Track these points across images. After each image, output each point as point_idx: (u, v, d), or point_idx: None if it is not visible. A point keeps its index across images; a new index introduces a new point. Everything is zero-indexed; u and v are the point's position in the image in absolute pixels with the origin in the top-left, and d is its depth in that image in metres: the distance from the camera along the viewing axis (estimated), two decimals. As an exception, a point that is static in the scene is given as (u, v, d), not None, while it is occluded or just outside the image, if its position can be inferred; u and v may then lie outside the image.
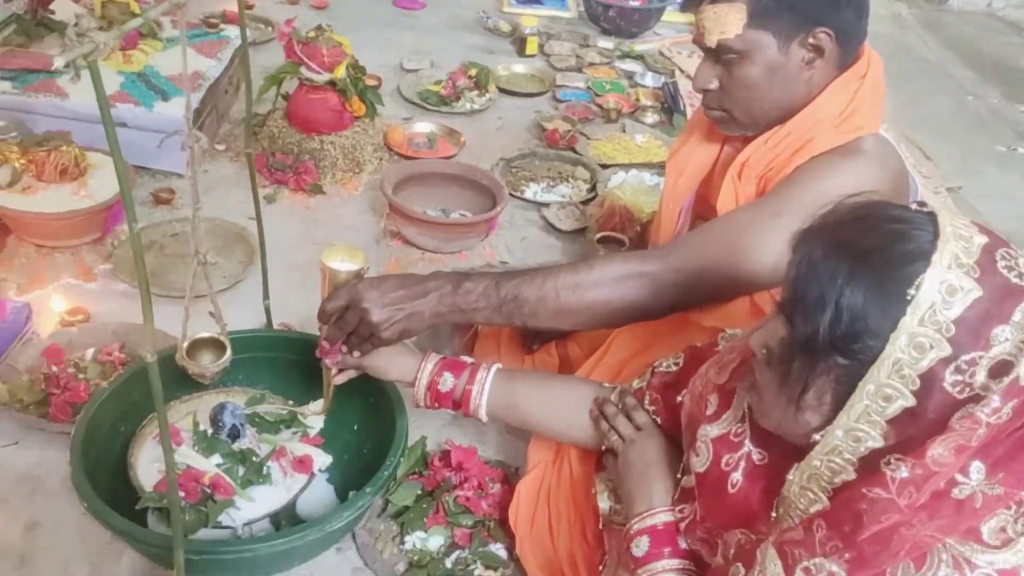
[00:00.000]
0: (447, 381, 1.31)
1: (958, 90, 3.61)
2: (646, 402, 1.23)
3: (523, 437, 1.49)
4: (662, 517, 1.10)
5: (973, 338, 0.74)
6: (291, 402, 1.48)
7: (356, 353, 1.30)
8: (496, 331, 1.64)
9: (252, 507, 1.29)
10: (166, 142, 2.11)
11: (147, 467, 1.32)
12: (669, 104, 2.88)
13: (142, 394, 1.38)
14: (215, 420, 1.35)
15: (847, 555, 0.79)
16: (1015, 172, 2.98)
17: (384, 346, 1.28)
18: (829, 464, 0.83)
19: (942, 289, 0.74)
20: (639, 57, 3.27)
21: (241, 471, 1.32)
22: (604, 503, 1.23)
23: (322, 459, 1.38)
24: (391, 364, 1.32)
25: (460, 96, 2.76)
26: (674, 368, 1.21)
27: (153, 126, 2.08)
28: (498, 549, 1.36)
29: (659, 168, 2.44)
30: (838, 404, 0.81)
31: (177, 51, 2.32)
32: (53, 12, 2.33)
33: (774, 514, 0.89)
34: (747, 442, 0.97)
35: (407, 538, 1.35)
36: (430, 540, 1.35)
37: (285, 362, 1.52)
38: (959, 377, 0.75)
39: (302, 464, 1.35)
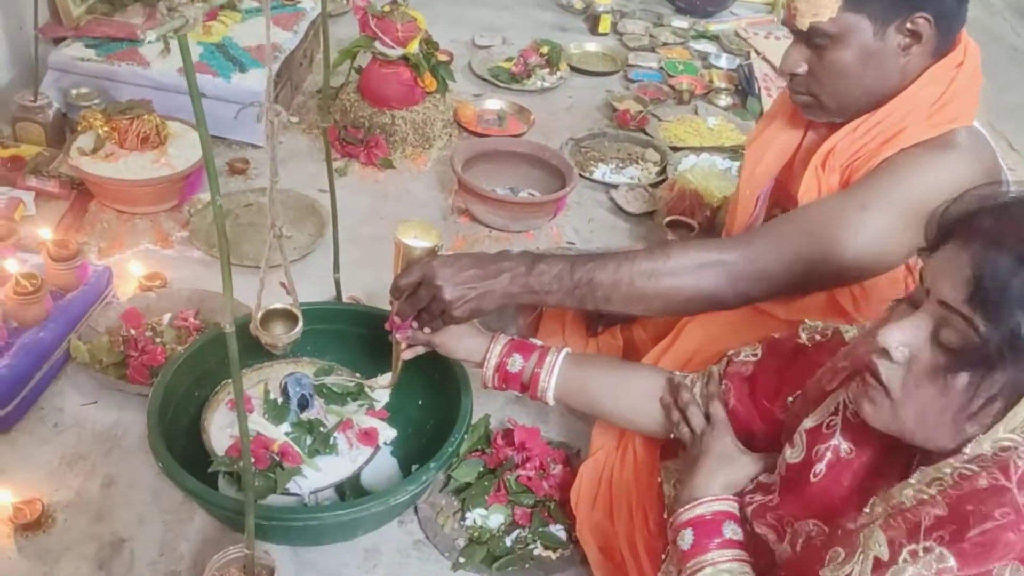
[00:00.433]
0: (516, 363, 1.31)
1: (1048, 80, 3.45)
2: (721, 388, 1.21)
3: (586, 419, 1.48)
4: (713, 507, 1.07)
5: None
6: (358, 375, 1.50)
7: (427, 329, 1.30)
8: (561, 312, 1.63)
9: (319, 476, 1.31)
10: (243, 113, 2.13)
11: (219, 432, 1.36)
12: (743, 87, 2.82)
13: (216, 360, 1.41)
14: (285, 390, 1.38)
15: (955, 548, 0.76)
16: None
17: (455, 324, 1.29)
18: (961, 470, 0.79)
19: None
20: (714, 38, 3.19)
21: (308, 440, 1.35)
22: (670, 491, 1.22)
23: (387, 432, 1.41)
24: (460, 343, 1.33)
25: (531, 74, 2.74)
26: (752, 359, 1.19)
27: (231, 97, 2.12)
28: (558, 530, 1.36)
29: (731, 152, 2.39)
30: (1001, 414, 0.78)
31: (254, 23, 2.36)
32: (137, -19, 2.37)
33: (867, 510, 0.87)
34: (838, 434, 0.96)
35: (468, 514, 1.36)
36: (491, 517, 1.36)
37: (353, 335, 1.54)
38: None
39: (368, 436, 1.37)
